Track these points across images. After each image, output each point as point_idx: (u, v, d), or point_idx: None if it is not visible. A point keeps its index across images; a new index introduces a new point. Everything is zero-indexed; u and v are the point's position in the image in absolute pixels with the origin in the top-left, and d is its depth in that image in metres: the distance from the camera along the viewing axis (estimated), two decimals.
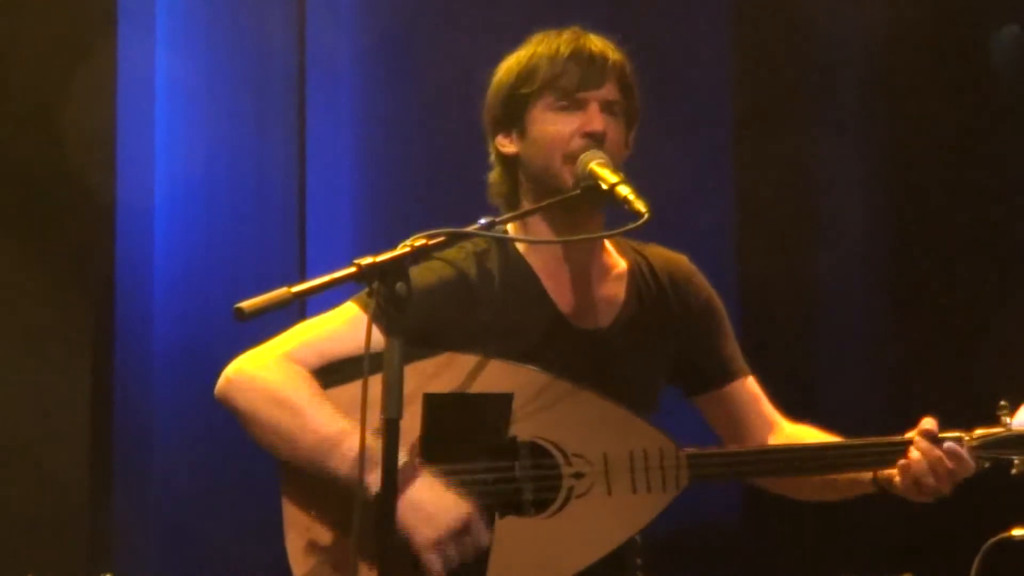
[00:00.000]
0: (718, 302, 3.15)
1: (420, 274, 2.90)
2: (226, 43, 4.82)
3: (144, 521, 4.60)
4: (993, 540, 3.28)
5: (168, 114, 4.73)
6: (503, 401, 2.82)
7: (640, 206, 2.80)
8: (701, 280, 3.14)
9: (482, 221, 2.78)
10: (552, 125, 2.98)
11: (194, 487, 4.59)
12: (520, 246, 3.04)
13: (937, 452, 2.89)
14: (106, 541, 4.57)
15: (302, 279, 2.56)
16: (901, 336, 4.90)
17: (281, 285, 2.49)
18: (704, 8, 5.03)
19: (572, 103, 2.98)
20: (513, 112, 3.04)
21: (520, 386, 2.85)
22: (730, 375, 3.14)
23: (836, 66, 4.99)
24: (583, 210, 2.98)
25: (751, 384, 3.16)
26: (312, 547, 2.84)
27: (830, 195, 5.00)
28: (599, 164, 2.91)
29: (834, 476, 3.02)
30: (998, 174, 4.83)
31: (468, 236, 2.89)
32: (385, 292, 2.50)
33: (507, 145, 3.06)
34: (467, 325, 2.93)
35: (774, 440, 3.12)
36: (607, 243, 3.09)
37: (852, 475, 3.00)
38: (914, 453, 2.89)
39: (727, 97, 5.05)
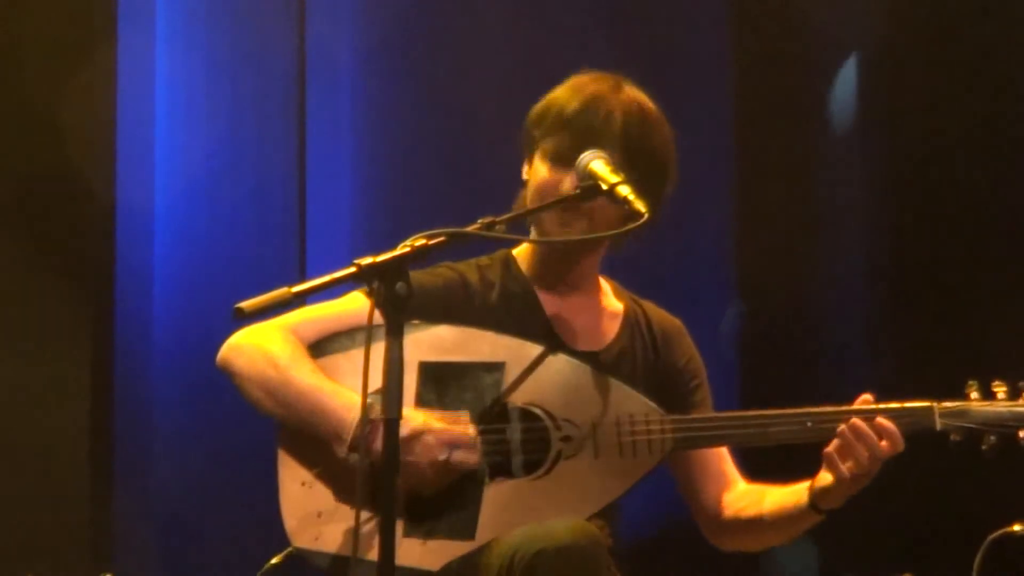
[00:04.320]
0: (702, 367, 3.22)
1: (424, 275, 3.01)
2: (226, 43, 4.82)
3: (144, 521, 4.60)
4: (995, 535, 3.29)
5: (168, 114, 4.74)
6: (495, 369, 2.91)
7: (640, 206, 2.82)
8: (690, 342, 3.22)
9: (482, 221, 2.79)
10: (541, 173, 3.05)
11: (194, 487, 4.59)
12: (524, 268, 3.12)
13: (859, 423, 2.95)
14: (106, 541, 4.58)
15: (302, 279, 2.57)
16: (901, 336, 4.90)
17: (281, 285, 2.50)
18: (704, 8, 5.03)
19: (564, 159, 3.02)
20: (527, 146, 3.13)
21: (512, 356, 2.94)
22: None
23: (836, 66, 4.99)
24: (583, 248, 3.08)
25: (724, 453, 3.20)
26: (304, 500, 2.89)
27: (830, 195, 4.99)
28: (600, 164, 2.93)
29: (780, 509, 3.06)
30: (998, 173, 4.83)
31: (468, 236, 2.90)
32: (385, 292, 2.51)
33: (525, 172, 3.13)
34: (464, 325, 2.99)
35: (728, 496, 3.17)
36: (605, 286, 3.18)
37: (793, 504, 3.04)
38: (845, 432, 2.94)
39: (727, 97, 5.05)
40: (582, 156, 2.95)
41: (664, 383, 3.15)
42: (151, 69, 4.71)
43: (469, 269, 3.10)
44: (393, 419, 2.48)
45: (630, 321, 3.16)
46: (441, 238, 2.66)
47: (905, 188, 4.94)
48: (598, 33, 4.87)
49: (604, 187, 2.88)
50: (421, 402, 2.91)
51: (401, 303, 2.51)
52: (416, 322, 2.91)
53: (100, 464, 4.60)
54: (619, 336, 3.14)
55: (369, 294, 2.57)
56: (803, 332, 4.97)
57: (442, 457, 2.85)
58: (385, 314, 2.52)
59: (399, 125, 4.88)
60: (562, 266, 3.12)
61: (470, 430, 2.89)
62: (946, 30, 4.84)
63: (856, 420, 2.96)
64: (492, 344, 2.95)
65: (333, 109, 4.86)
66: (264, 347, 2.94)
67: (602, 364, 3.06)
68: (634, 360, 3.13)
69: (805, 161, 4.98)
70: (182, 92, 4.76)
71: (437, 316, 2.97)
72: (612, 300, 3.19)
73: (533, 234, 3.10)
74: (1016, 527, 3.27)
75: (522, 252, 3.16)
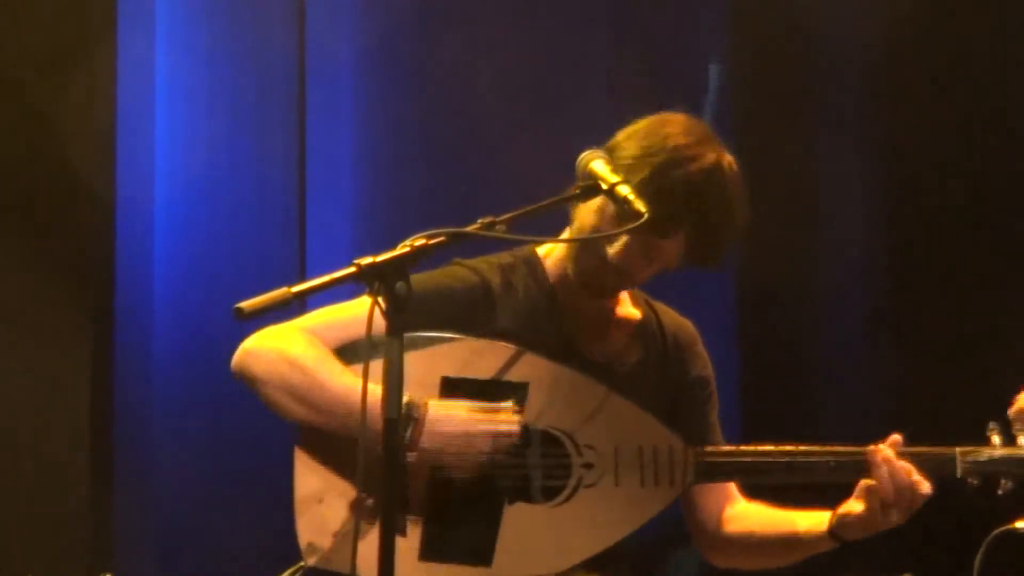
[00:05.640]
0: (712, 375, 3.21)
1: (444, 275, 3.00)
2: (226, 43, 4.81)
3: (144, 521, 4.60)
4: (997, 532, 3.28)
5: (168, 114, 4.73)
6: (519, 389, 2.88)
7: (640, 206, 2.80)
8: (702, 350, 3.21)
9: (482, 221, 2.79)
10: (599, 225, 2.96)
11: (194, 487, 4.59)
12: (551, 270, 3.08)
13: (901, 463, 2.92)
14: (106, 541, 4.57)
15: (302, 279, 2.56)
16: (902, 339, 4.89)
17: (281, 285, 2.50)
18: (703, 7, 5.03)
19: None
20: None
21: (536, 375, 2.91)
22: (708, 444, 3.14)
23: (836, 66, 4.99)
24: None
25: None
26: (321, 517, 2.87)
27: (830, 195, 4.99)
28: (600, 164, 2.91)
29: (790, 532, 3.08)
30: (1000, 175, 4.82)
31: (468, 236, 2.89)
32: (385, 292, 2.50)
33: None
34: (482, 331, 2.96)
35: (730, 512, 3.17)
36: (624, 293, 3.14)
37: (806, 529, 3.05)
38: (881, 469, 2.91)
39: (727, 97, 5.04)
40: (582, 156, 2.94)
41: (676, 392, 3.14)
42: (151, 69, 4.71)
43: (490, 270, 3.05)
44: (392, 419, 2.47)
45: (646, 330, 3.14)
46: (441, 238, 2.66)
47: (906, 188, 4.93)
48: (599, 33, 4.87)
49: (604, 187, 2.87)
50: None
51: (402, 303, 2.51)
52: (440, 334, 2.89)
53: (100, 464, 4.60)
54: (635, 347, 3.12)
55: (369, 295, 2.56)
56: (802, 333, 4.97)
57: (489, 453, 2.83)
58: (385, 314, 2.51)
59: (399, 124, 4.88)
60: (604, 290, 3.07)
61: (514, 417, 2.85)
62: (947, 29, 4.84)
63: (885, 448, 2.93)
64: (519, 362, 2.92)
65: (333, 109, 4.86)
66: (286, 350, 2.89)
67: (618, 376, 3.04)
68: (649, 371, 3.11)
69: (805, 161, 4.98)
70: (182, 92, 4.76)
71: (455, 321, 2.94)
72: (629, 307, 3.16)
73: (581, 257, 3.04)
74: (1018, 524, 3.26)
75: (550, 253, 3.11)
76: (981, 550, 3.24)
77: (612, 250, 2.95)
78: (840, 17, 4.89)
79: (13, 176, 4.60)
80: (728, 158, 3.02)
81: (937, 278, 4.84)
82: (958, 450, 2.97)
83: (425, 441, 2.78)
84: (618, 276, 2.99)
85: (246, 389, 2.94)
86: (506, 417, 2.85)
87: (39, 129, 4.56)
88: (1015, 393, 3.09)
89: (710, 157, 2.97)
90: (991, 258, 4.80)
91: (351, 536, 2.79)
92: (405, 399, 2.75)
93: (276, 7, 4.84)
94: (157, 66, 4.72)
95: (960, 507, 3.00)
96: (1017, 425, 2.98)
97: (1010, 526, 3.26)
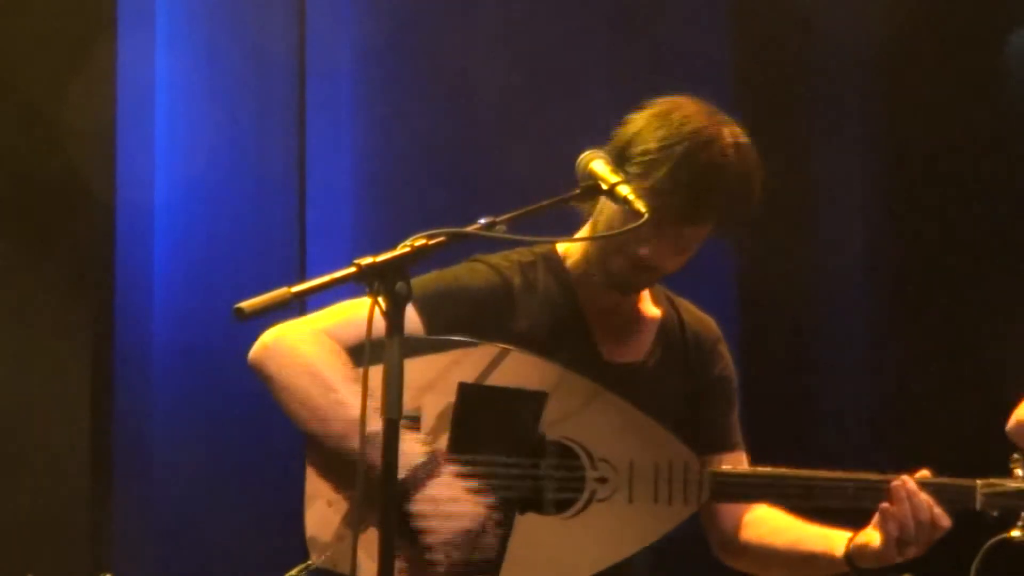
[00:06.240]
0: (733, 374, 3.18)
1: (465, 273, 2.97)
2: (226, 43, 4.82)
3: (144, 521, 4.60)
4: (992, 541, 3.28)
5: (168, 114, 4.73)
6: (537, 398, 2.86)
7: (640, 206, 2.78)
8: (724, 349, 3.17)
9: (482, 221, 2.78)
10: (620, 220, 2.87)
11: (194, 487, 4.59)
12: (570, 268, 3.05)
13: (923, 496, 2.89)
14: (106, 541, 4.57)
15: (302, 279, 2.56)
16: (902, 338, 4.89)
17: (281, 285, 2.49)
18: (704, 8, 5.03)
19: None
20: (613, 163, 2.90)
21: (555, 385, 2.88)
22: (726, 446, 3.14)
23: (836, 66, 4.99)
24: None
25: (742, 460, 3.16)
26: (329, 519, 2.85)
27: (830, 195, 4.99)
28: (600, 164, 2.90)
29: (807, 550, 3.04)
30: (1001, 175, 4.82)
31: (468, 236, 2.89)
32: (385, 292, 2.50)
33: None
34: (501, 332, 2.94)
35: (749, 517, 3.14)
36: (645, 290, 3.10)
37: (823, 549, 3.01)
38: (904, 506, 2.88)
39: (727, 97, 5.04)
40: (582, 156, 2.92)
41: (697, 392, 3.11)
42: (151, 69, 4.71)
43: (511, 269, 3.02)
44: (392, 419, 2.47)
45: (666, 329, 3.11)
46: (441, 238, 2.65)
47: (907, 188, 4.93)
48: (599, 33, 4.87)
49: (604, 187, 2.86)
50: (457, 424, 2.85)
51: (402, 302, 2.50)
52: (460, 338, 2.87)
53: (100, 464, 4.60)
54: (653, 348, 3.09)
55: (368, 294, 2.55)
56: (802, 334, 4.97)
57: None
58: (385, 315, 2.50)
59: (399, 125, 4.88)
60: (635, 287, 3.05)
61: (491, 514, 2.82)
62: (947, 28, 4.84)
63: (909, 480, 2.89)
64: (538, 371, 2.88)
65: (333, 108, 4.86)
66: (309, 359, 2.85)
67: (638, 375, 3.02)
68: (669, 370, 3.08)
69: (806, 161, 4.98)
70: (182, 92, 4.76)
71: (475, 320, 2.91)
72: (650, 306, 3.12)
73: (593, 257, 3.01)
74: (1014, 533, 3.26)
75: (569, 252, 3.07)
76: (977, 558, 3.23)
77: (644, 249, 2.91)
78: (840, 17, 4.89)
79: (13, 176, 4.60)
80: (739, 129, 2.99)
81: (938, 277, 4.85)
82: (979, 482, 2.93)
83: (418, 499, 2.75)
84: (650, 273, 2.97)
85: (258, 381, 2.90)
86: (491, 534, 2.80)
87: (39, 129, 4.56)
88: (1015, 392, 3.08)
89: (726, 134, 2.94)
90: (992, 257, 4.80)
91: (362, 543, 2.78)
92: (425, 453, 2.76)
93: (276, 7, 4.85)
94: (157, 66, 4.72)
95: (959, 513, 3.00)
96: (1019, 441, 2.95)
97: (1005, 535, 3.26)
